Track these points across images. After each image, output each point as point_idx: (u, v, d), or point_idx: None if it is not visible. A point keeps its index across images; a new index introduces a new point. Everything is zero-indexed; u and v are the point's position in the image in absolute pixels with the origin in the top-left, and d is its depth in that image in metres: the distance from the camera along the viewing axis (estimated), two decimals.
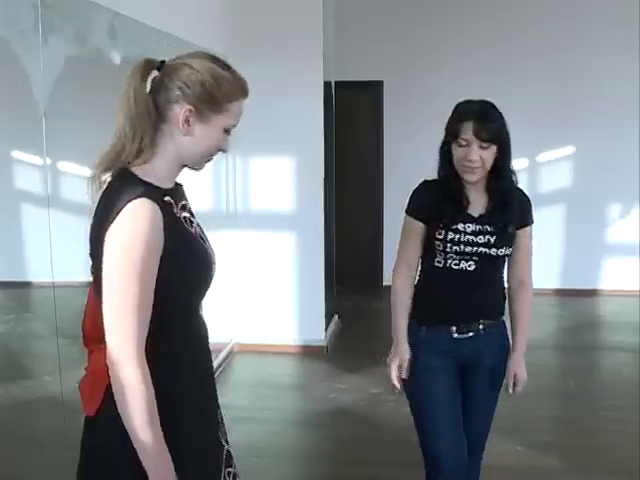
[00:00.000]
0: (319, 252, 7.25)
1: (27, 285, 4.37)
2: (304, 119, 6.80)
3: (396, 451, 4.85)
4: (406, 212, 3.10)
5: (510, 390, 3.22)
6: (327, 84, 7.30)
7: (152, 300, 1.92)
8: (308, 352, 7.17)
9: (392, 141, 9.70)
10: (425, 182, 3.11)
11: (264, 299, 7.20)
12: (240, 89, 2.04)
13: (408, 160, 8.37)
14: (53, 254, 3.53)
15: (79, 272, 4.79)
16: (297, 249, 7.22)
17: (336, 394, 6.03)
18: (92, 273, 2.02)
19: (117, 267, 1.88)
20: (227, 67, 2.03)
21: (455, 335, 3.05)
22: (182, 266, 1.99)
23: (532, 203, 3.13)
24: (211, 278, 2.12)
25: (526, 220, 3.10)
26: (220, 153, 2.13)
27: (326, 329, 7.47)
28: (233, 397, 5.04)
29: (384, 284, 9.15)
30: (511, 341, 3.22)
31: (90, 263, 2.02)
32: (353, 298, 9.15)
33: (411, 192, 3.13)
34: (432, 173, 3.08)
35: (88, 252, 2.02)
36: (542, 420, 5.56)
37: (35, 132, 3.32)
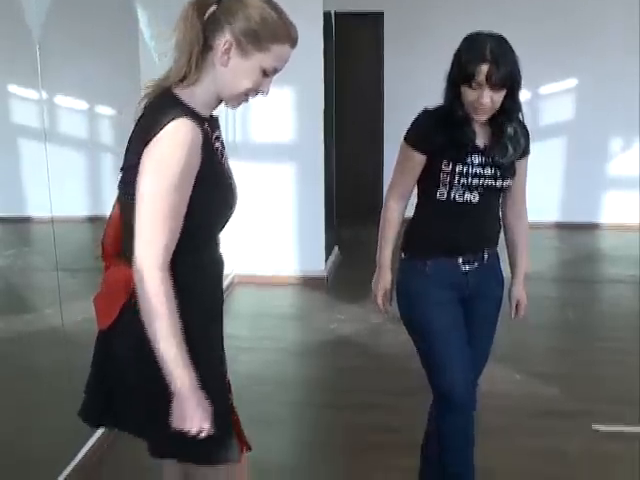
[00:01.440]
0: (319, 183, 7.24)
1: (26, 220, 4.38)
2: (304, 49, 6.57)
3: (396, 379, 4.90)
4: (406, 142, 3.01)
5: (513, 315, 3.26)
6: (327, 14, 7.20)
7: (182, 217, 1.96)
8: (308, 283, 7.21)
9: (392, 73, 9.63)
10: (427, 111, 3.02)
11: (264, 230, 7.21)
12: (286, 33, 2.06)
13: (408, 92, 8.33)
14: (52, 189, 3.52)
15: (78, 207, 4.80)
16: (297, 180, 7.21)
17: (336, 324, 6.08)
18: (120, 188, 2.08)
19: (154, 179, 1.92)
20: (279, 11, 2.06)
21: (462, 267, 3.05)
22: (210, 193, 2.03)
23: (533, 136, 3.09)
24: (232, 211, 2.16)
25: (525, 151, 3.07)
26: (260, 95, 2.14)
27: (326, 260, 7.50)
28: (234, 328, 5.06)
29: None
30: (508, 270, 3.24)
31: (120, 176, 2.08)
32: (353, 230, 9.16)
33: (412, 121, 3.04)
34: (434, 103, 3.03)
35: (120, 166, 2.08)
36: (541, 350, 5.62)
37: (30, 65, 3.28)
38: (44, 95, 3.83)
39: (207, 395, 2.06)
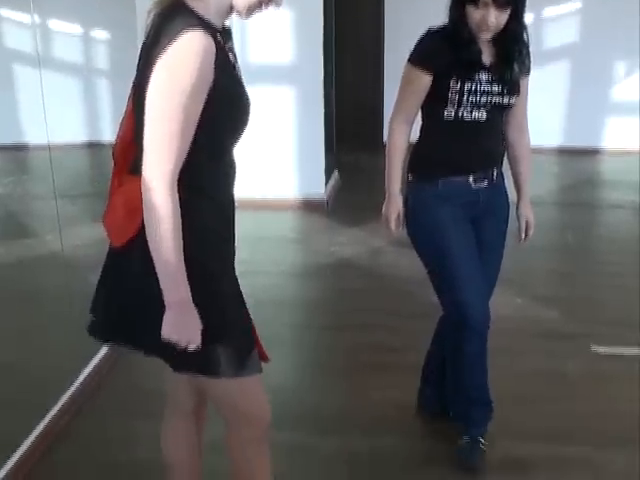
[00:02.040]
0: (319, 106, 7.16)
1: (24, 148, 4.34)
2: None
3: (397, 301, 4.93)
4: (411, 63, 2.96)
5: (522, 235, 3.26)
6: None
7: (193, 132, 1.92)
8: (308, 207, 7.20)
9: None
10: (431, 31, 2.98)
11: (264, 154, 7.14)
12: None
13: (410, 17, 8.20)
14: (48, 116, 3.48)
15: (75, 133, 4.76)
16: (296, 103, 7.13)
17: (336, 247, 6.08)
18: (135, 103, 2.02)
19: (164, 92, 1.88)
20: None
21: (472, 185, 3.03)
22: (224, 106, 1.98)
23: (536, 60, 3.08)
24: (246, 125, 2.11)
25: (527, 68, 3.04)
26: (273, 7, 2.07)
27: (326, 184, 7.47)
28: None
29: (384, 141, 9.09)
30: (513, 190, 3.24)
31: (132, 91, 2.04)
32: (353, 155, 9.11)
33: (416, 42, 2.99)
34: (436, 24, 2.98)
35: (132, 81, 2.03)
36: (542, 274, 5.64)
37: None
38: (36, 19, 3.75)
39: (226, 309, 2.08)
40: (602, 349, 4.20)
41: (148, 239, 1.91)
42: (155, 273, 1.94)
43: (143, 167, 1.91)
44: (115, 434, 3.46)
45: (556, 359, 4.11)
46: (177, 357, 2.07)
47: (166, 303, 1.96)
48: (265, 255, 5.94)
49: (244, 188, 6.88)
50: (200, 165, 2.00)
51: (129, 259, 2.05)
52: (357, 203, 7.37)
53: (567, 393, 3.78)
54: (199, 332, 2.00)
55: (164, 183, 1.88)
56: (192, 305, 1.98)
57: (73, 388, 3.65)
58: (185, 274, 1.94)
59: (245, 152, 6.93)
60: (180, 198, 1.92)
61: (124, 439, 3.42)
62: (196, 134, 1.92)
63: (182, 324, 1.98)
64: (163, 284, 1.94)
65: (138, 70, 2.00)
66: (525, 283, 5.23)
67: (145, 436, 3.35)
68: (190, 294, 1.97)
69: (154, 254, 1.92)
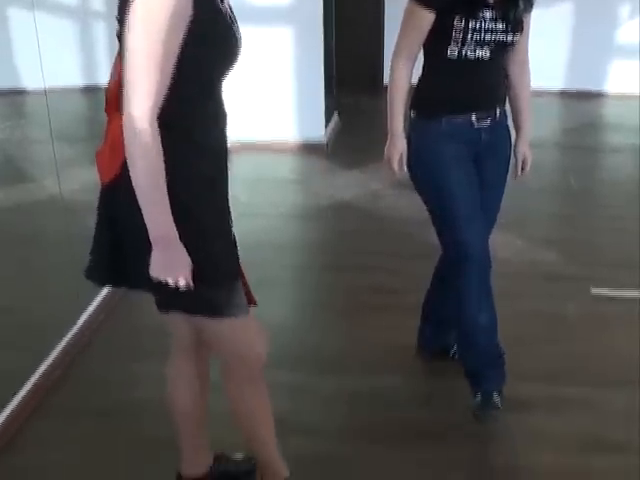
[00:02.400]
0: (318, 47, 7.07)
1: (21, 92, 4.29)
2: None
3: (396, 242, 4.93)
4: (414, 0, 2.90)
5: (519, 172, 3.23)
6: None
7: (172, 68, 1.89)
8: (308, 149, 7.16)
9: None
10: None
11: (262, 96, 7.09)
12: None
13: None
14: (44, 59, 3.44)
15: (72, 77, 4.70)
16: (296, 44, 7.04)
17: (336, 189, 6.07)
18: (119, 38, 1.98)
19: (140, 28, 1.84)
20: None
21: (475, 123, 3.00)
22: (208, 41, 1.96)
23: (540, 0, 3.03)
24: (235, 60, 2.07)
25: (531, 5, 2.99)
26: None
27: (326, 126, 7.42)
28: (232, 193, 5.02)
29: (384, 83, 9.01)
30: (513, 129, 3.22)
31: (117, 28, 1.99)
32: (353, 97, 9.03)
33: None
34: None
35: (115, 16, 1.99)
36: (542, 216, 5.62)
37: None
38: None
39: (213, 249, 2.07)
40: (602, 291, 4.20)
41: (130, 175, 1.90)
42: (138, 209, 1.94)
43: (123, 104, 1.88)
44: (115, 375, 3.48)
45: (556, 301, 4.12)
46: (165, 296, 2.07)
47: (152, 240, 1.96)
48: (265, 197, 5.92)
49: (244, 131, 6.94)
50: (187, 106, 1.99)
51: (116, 196, 2.04)
52: (357, 146, 7.33)
53: (567, 334, 3.80)
54: (188, 269, 2.00)
55: (144, 119, 1.85)
56: (178, 242, 1.97)
57: (74, 330, 3.66)
58: (169, 210, 1.93)
59: (244, 94, 6.94)
60: (167, 142, 1.90)
61: (124, 380, 3.44)
62: (180, 71, 1.90)
63: (169, 261, 1.98)
64: (147, 220, 1.93)
65: (119, 7, 1.96)
66: (525, 225, 5.23)
67: (145, 377, 3.39)
68: (176, 231, 1.96)
69: (136, 190, 1.91)
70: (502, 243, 4.66)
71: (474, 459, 2.93)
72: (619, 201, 5.86)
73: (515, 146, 3.21)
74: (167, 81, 1.89)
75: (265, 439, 2.52)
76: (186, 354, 2.48)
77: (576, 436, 3.04)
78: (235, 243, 2.22)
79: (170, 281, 1.99)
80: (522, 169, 3.23)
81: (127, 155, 1.89)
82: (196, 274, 2.02)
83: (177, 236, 1.97)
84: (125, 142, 1.88)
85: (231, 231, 2.21)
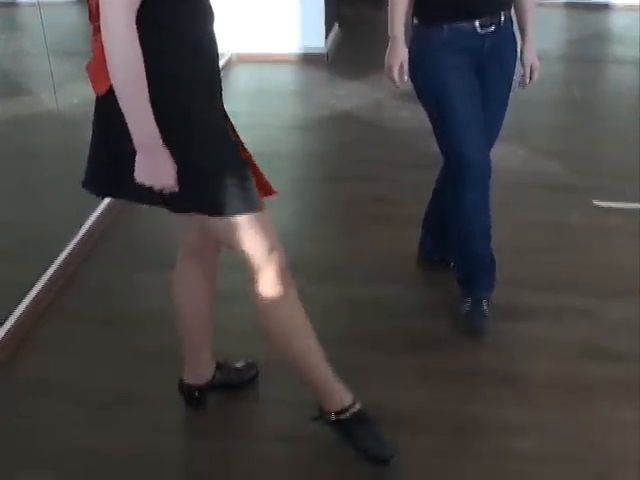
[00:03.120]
0: None
1: (14, 4, 4.21)
2: None
3: (398, 153, 4.90)
4: None
5: (527, 81, 3.17)
6: None
7: None
8: (308, 60, 7.05)
9: None
10: None
11: (263, 7, 6.94)
12: None
13: None
14: None
15: None
16: None
17: (337, 100, 6.00)
18: None
19: None
20: None
21: (479, 30, 2.93)
22: None
23: None
24: None
25: None
26: None
27: (326, 37, 7.30)
28: (233, 105, 4.93)
29: None
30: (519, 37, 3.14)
31: None
32: (354, 6, 8.86)
33: None
34: None
35: None
36: (545, 127, 5.58)
37: None
38: None
39: (212, 149, 2.06)
40: (603, 203, 4.19)
41: (111, 78, 1.87)
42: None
43: (100, 5, 1.83)
44: (117, 285, 3.50)
45: (557, 211, 4.12)
46: (173, 199, 2.05)
47: (135, 145, 1.94)
48: (265, 108, 5.86)
49: (243, 42, 6.82)
50: (175, 6, 1.95)
51: (111, 106, 1.98)
52: (358, 56, 7.22)
53: (567, 244, 3.80)
54: (172, 174, 1.97)
55: (119, 22, 1.81)
56: (162, 147, 1.95)
57: (75, 241, 3.67)
58: (151, 113, 1.90)
59: (244, 5, 6.81)
60: (152, 39, 1.87)
61: (126, 290, 3.47)
62: None
63: (152, 166, 1.96)
64: (129, 124, 1.91)
65: None
66: (528, 137, 5.18)
67: (147, 287, 3.41)
68: (159, 136, 1.93)
69: (117, 94, 1.88)
70: (504, 154, 4.61)
71: (474, 368, 2.94)
72: (622, 113, 5.79)
73: (521, 54, 3.14)
74: None
75: (309, 360, 2.39)
76: (193, 258, 2.47)
77: (576, 345, 3.06)
78: (238, 143, 2.19)
79: (155, 186, 1.98)
80: (530, 78, 3.17)
81: (107, 59, 1.85)
82: (196, 173, 2.01)
83: (160, 141, 1.94)
84: (104, 44, 1.84)
85: (229, 131, 2.17)
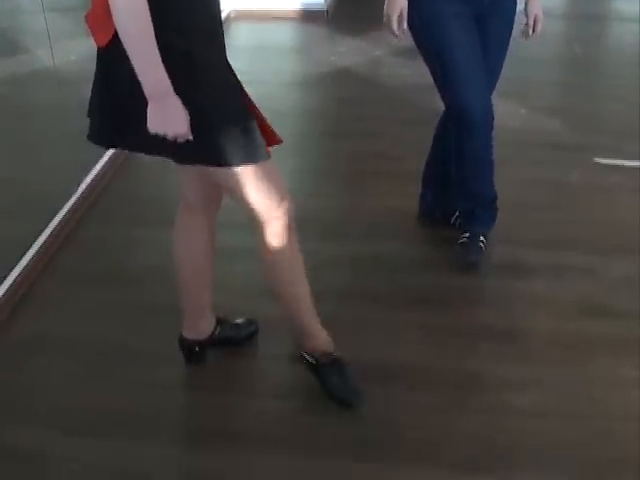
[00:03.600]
0: None
1: None
2: None
3: (398, 109, 4.87)
4: None
5: (530, 32, 3.12)
6: None
7: None
8: (308, 17, 7.00)
9: None
10: None
11: None
12: None
13: None
14: None
15: None
16: None
17: (337, 56, 5.96)
18: None
19: None
20: None
21: None
22: None
23: None
24: None
25: None
26: None
27: None
28: (232, 62, 4.90)
29: None
30: None
31: None
32: None
33: None
34: None
35: None
36: (546, 85, 5.52)
37: None
38: None
39: (219, 97, 2.02)
40: (604, 160, 4.17)
41: (117, 29, 1.83)
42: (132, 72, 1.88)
43: None
44: (117, 242, 3.49)
45: (558, 169, 4.10)
46: (178, 150, 2.02)
47: (146, 94, 1.90)
48: (265, 65, 5.81)
49: None
50: None
51: (114, 57, 1.95)
52: (358, 13, 7.15)
53: (568, 202, 3.79)
54: (185, 122, 1.94)
55: None
56: (173, 95, 1.91)
57: (73, 199, 3.65)
58: (160, 60, 1.86)
59: None
60: None
61: (126, 246, 3.45)
62: None
63: (164, 114, 1.92)
64: (139, 74, 1.87)
65: None
66: (529, 94, 5.15)
67: (147, 243, 3.40)
68: (170, 83, 1.89)
69: (125, 44, 1.84)
70: (505, 112, 4.59)
71: (474, 324, 2.94)
72: (624, 70, 5.75)
73: (526, 5, 3.10)
74: None
75: (301, 305, 2.49)
76: (193, 213, 2.45)
77: (576, 302, 3.06)
78: (241, 90, 2.15)
79: (168, 134, 1.94)
80: (533, 30, 3.13)
81: (111, 8, 1.81)
82: (204, 123, 1.98)
83: (171, 89, 1.90)
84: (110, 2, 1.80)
85: (235, 80, 2.13)
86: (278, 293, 2.47)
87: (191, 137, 1.96)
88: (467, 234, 3.28)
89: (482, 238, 3.27)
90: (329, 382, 2.55)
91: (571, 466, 2.33)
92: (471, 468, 2.32)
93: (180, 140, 1.96)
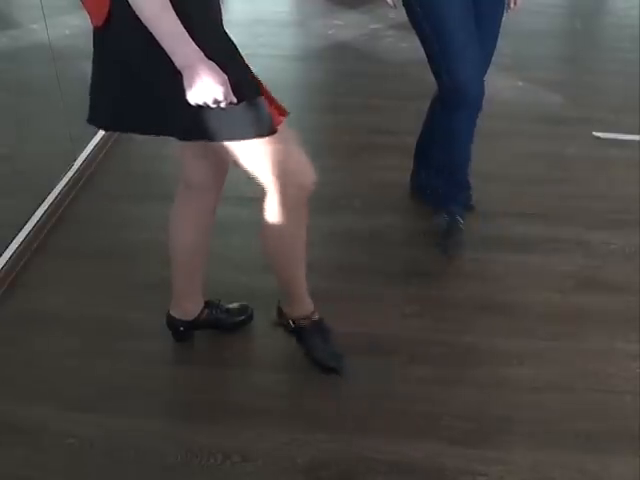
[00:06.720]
0: None
1: None
2: None
3: (396, 84, 4.85)
4: None
5: (512, 5, 3.05)
6: None
7: None
8: None
9: None
10: None
11: None
12: None
13: None
14: None
15: None
16: None
17: (335, 30, 5.92)
18: None
19: None
20: None
21: None
22: None
23: None
24: None
25: None
26: None
27: None
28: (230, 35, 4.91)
29: None
30: None
31: None
32: None
33: None
34: None
35: None
36: (544, 58, 5.48)
37: None
38: None
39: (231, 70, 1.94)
40: (603, 134, 4.16)
41: (134, 8, 1.78)
42: (139, 46, 1.85)
43: None
44: (112, 218, 3.49)
45: (557, 142, 4.09)
46: (190, 126, 1.98)
47: (179, 68, 1.84)
48: (262, 39, 5.76)
49: None
50: None
51: (111, 36, 1.92)
52: None
53: (567, 176, 3.78)
54: (223, 84, 1.86)
55: None
56: (207, 61, 1.84)
57: (69, 175, 3.64)
58: (183, 30, 1.81)
59: None
60: None
61: (121, 223, 3.44)
62: None
63: (203, 81, 1.84)
64: (168, 50, 1.81)
65: None
66: (529, 67, 5.11)
67: (142, 219, 3.40)
68: (201, 51, 1.83)
69: (146, 22, 1.79)
70: (504, 85, 4.59)
71: (471, 297, 2.94)
72: (624, 44, 5.70)
73: None
74: None
75: (297, 273, 2.47)
76: (194, 195, 2.42)
77: (573, 276, 3.07)
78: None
79: (211, 101, 1.87)
80: (514, 2, 3.05)
81: None
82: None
83: (203, 56, 1.84)
84: None
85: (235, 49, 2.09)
86: (275, 266, 2.44)
87: (234, 99, 1.90)
88: (445, 215, 3.28)
89: (460, 218, 3.27)
90: (312, 345, 2.58)
91: (568, 439, 2.33)
92: (468, 441, 2.32)
93: (224, 104, 1.89)
